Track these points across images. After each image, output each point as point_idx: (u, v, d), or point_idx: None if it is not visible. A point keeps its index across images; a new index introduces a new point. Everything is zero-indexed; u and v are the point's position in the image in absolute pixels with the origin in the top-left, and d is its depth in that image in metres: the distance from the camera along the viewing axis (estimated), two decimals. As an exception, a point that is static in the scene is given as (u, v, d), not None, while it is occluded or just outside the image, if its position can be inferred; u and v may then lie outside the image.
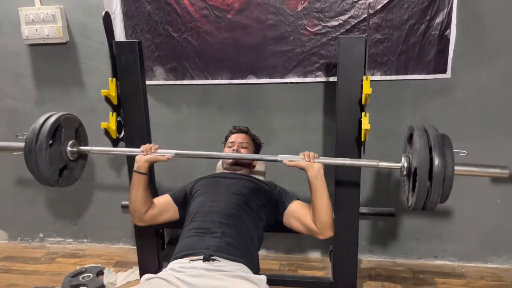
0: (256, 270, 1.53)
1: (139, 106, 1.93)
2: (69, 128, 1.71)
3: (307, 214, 1.63)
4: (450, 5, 2.06)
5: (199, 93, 2.39)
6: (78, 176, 1.80)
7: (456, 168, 1.34)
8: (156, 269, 1.96)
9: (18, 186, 2.76)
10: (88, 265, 2.50)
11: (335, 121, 1.80)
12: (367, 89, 1.64)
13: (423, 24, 2.10)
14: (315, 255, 2.57)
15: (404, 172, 1.48)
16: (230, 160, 1.89)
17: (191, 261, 1.44)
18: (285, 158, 1.60)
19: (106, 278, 2.34)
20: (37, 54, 2.49)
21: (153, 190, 1.98)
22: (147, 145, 1.70)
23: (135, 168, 1.69)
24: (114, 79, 1.88)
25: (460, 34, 2.09)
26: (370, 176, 2.37)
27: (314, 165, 1.57)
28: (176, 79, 2.37)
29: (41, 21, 2.36)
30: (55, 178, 1.66)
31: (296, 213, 1.68)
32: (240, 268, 1.45)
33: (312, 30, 2.18)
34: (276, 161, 1.61)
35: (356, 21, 2.13)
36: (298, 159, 1.59)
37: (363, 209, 2.31)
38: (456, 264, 2.44)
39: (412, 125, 1.48)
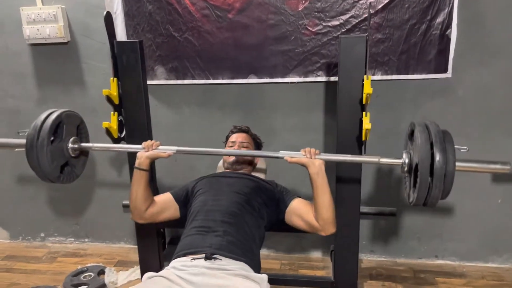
0: (257, 269, 1.54)
1: (140, 106, 1.94)
2: (70, 125, 1.71)
3: (309, 211, 1.64)
4: (451, 4, 2.06)
5: (200, 92, 2.39)
6: (80, 173, 1.80)
7: (457, 164, 1.34)
8: (157, 269, 1.96)
9: (20, 186, 2.77)
10: (89, 265, 2.51)
11: (336, 121, 1.80)
12: (368, 89, 1.64)
13: (424, 24, 2.10)
14: (316, 254, 2.58)
15: (405, 168, 1.48)
16: (231, 160, 1.89)
17: (193, 260, 1.44)
18: (286, 154, 1.60)
19: (107, 278, 2.34)
20: (39, 54, 2.50)
21: (154, 188, 1.98)
22: (149, 142, 1.71)
23: (136, 165, 1.69)
24: (115, 79, 1.88)
25: (461, 34, 2.10)
26: (371, 175, 2.37)
27: (315, 161, 1.57)
28: (177, 79, 2.37)
29: (43, 21, 2.37)
30: (57, 174, 1.66)
31: (298, 211, 1.68)
32: (242, 267, 1.45)
33: (313, 30, 2.18)
34: (277, 157, 1.62)
35: (357, 21, 2.14)
36: (299, 156, 1.59)
37: (364, 209, 2.32)
38: (457, 263, 2.44)
39: (413, 121, 1.48)
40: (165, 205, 1.77)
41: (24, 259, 2.66)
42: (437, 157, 1.31)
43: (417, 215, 2.39)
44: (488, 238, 2.38)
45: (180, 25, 2.28)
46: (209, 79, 2.34)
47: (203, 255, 1.44)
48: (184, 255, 1.49)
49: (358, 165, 1.82)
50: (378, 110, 2.15)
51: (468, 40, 2.11)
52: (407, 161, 1.47)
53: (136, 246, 2.17)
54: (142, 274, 2.12)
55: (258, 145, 2.07)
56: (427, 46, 2.13)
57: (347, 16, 2.14)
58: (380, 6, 2.10)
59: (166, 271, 1.44)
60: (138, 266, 2.25)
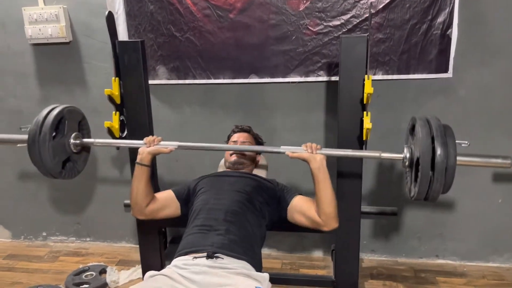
0: (259, 267, 1.54)
1: (142, 105, 1.95)
2: (72, 121, 1.72)
3: (311, 208, 1.64)
4: (451, 4, 2.06)
5: (201, 92, 2.40)
6: (81, 169, 1.81)
7: (458, 158, 1.34)
8: (159, 268, 1.97)
9: (21, 185, 2.78)
10: (91, 264, 2.51)
11: (337, 120, 1.81)
12: (368, 89, 1.65)
13: (424, 24, 2.10)
14: (317, 254, 2.58)
15: (407, 163, 1.48)
16: (233, 159, 1.90)
17: (195, 258, 1.45)
18: (288, 149, 1.61)
19: (109, 277, 2.35)
20: (41, 54, 2.50)
21: (155, 186, 1.98)
22: (150, 137, 1.72)
23: (138, 160, 1.69)
24: (117, 79, 1.89)
25: (461, 34, 2.10)
26: (371, 174, 2.37)
27: (316, 156, 1.57)
28: (179, 79, 2.38)
29: (45, 21, 2.38)
30: (58, 170, 1.67)
31: (300, 207, 1.68)
32: (243, 266, 1.46)
33: (314, 30, 2.19)
34: (279, 152, 1.62)
35: (358, 21, 2.14)
36: (301, 151, 1.60)
37: (365, 208, 2.32)
38: (458, 263, 2.44)
39: (414, 116, 1.48)
40: (166, 202, 1.77)
41: (26, 258, 2.66)
42: (438, 151, 1.31)
43: (418, 214, 2.40)
44: (488, 237, 2.38)
45: (181, 25, 2.29)
46: (210, 79, 2.35)
47: (205, 254, 1.45)
48: (186, 253, 1.50)
49: (359, 163, 1.82)
50: (379, 110, 2.16)
51: (469, 40, 2.11)
52: (408, 155, 1.47)
53: (138, 246, 2.18)
54: (143, 273, 2.13)
55: (259, 144, 2.08)
56: (428, 46, 2.13)
57: (348, 16, 2.14)
58: (381, 6, 2.11)
59: (168, 269, 1.44)
60: (140, 266, 2.26)
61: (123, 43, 1.92)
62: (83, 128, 1.80)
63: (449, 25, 2.09)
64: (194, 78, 2.36)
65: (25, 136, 1.62)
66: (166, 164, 2.44)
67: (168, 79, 2.39)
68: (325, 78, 2.25)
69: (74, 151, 1.73)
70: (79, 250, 2.75)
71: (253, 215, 1.65)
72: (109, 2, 2.31)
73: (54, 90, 2.55)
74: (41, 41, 2.42)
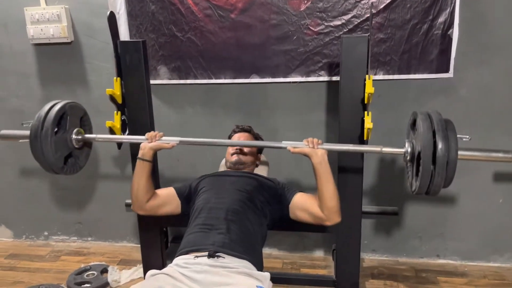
0: (260, 267, 1.55)
1: (143, 105, 1.95)
2: (74, 116, 1.73)
3: (313, 204, 1.64)
4: (452, 4, 2.06)
5: (202, 92, 2.41)
6: (83, 164, 1.82)
7: (459, 152, 1.34)
8: (160, 267, 1.97)
9: (23, 185, 2.79)
10: (92, 263, 2.52)
11: (338, 120, 1.81)
12: (369, 88, 1.65)
13: (425, 24, 2.10)
14: (318, 253, 2.58)
15: (408, 157, 1.48)
16: (234, 159, 1.90)
17: (196, 257, 1.45)
18: (289, 144, 1.61)
19: (110, 276, 2.35)
20: (42, 54, 2.51)
21: (156, 183, 1.99)
22: (152, 133, 1.72)
23: (139, 155, 1.70)
24: (118, 78, 1.90)
25: (462, 34, 2.10)
26: (372, 174, 2.37)
27: (318, 151, 1.58)
28: (180, 79, 2.39)
29: (46, 21, 2.38)
30: (60, 165, 1.67)
31: (301, 204, 1.69)
32: (245, 265, 1.46)
33: (315, 30, 2.19)
34: (280, 147, 1.63)
35: (358, 21, 2.14)
36: (302, 146, 1.60)
37: (366, 208, 2.32)
38: (459, 263, 2.44)
39: (416, 110, 1.48)
40: (167, 199, 1.78)
41: (28, 258, 2.67)
42: (440, 145, 1.31)
43: (419, 214, 2.40)
44: (489, 237, 2.38)
45: (182, 25, 2.29)
46: (211, 78, 2.35)
47: (206, 253, 1.45)
48: (187, 252, 1.50)
49: (360, 162, 1.82)
50: (380, 109, 2.16)
51: (470, 40, 2.11)
52: (409, 150, 1.47)
53: (139, 245, 2.18)
54: (144, 272, 2.14)
55: (260, 144, 2.08)
56: (429, 46, 2.13)
57: (349, 16, 2.15)
58: (382, 6, 2.11)
59: (169, 268, 1.45)
60: (141, 265, 2.27)
61: (124, 43, 1.93)
62: (84, 124, 1.80)
63: (450, 25, 2.09)
64: (195, 78, 2.36)
65: (27, 132, 1.63)
66: (167, 164, 2.44)
67: (170, 79, 2.40)
68: (326, 78, 2.26)
69: (76, 146, 1.74)
70: (81, 250, 2.75)
71: (254, 214, 1.66)
72: (111, 2, 2.31)
73: (56, 90, 2.55)
74: (43, 41, 2.43)
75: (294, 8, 2.18)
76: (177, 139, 1.70)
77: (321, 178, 1.59)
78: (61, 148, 1.66)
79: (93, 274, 2.38)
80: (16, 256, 2.70)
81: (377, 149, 1.55)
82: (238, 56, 2.29)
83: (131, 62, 1.89)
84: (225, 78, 2.34)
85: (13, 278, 2.44)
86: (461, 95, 2.20)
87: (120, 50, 1.89)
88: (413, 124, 1.48)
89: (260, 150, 2.06)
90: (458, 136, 1.36)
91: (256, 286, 1.36)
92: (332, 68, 2.23)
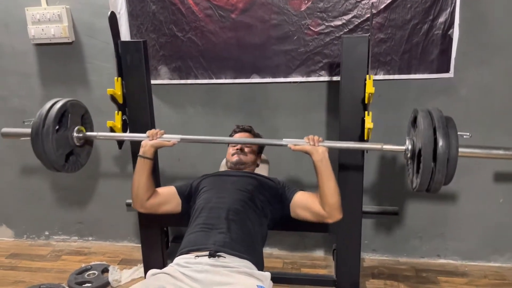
0: (260, 266, 1.55)
1: (144, 105, 1.96)
2: (75, 114, 1.74)
3: (314, 201, 1.65)
4: (453, 4, 2.07)
5: (203, 92, 2.41)
6: (84, 162, 1.82)
7: (460, 149, 1.34)
8: (161, 267, 1.97)
9: (24, 185, 2.79)
10: (93, 263, 2.53)
11: (338, 120, 1.81)
12: (370, 88, 1.65)
13: (426, 24, 2.11)
14: (319, 253, 2.58)
15: (409, 155, 1.48)
16: (235, 159, 1.90)
17: (197, 257, 1.45)
18: (290, 142, 1.62)
19: (111, 276, 2.35)
20: (43, 54, 2.52)
21: (157, 182, 1.99)
22: (153, 130, 1.73)
23: (140, 153, 1.70)
24: (119, 78, 1.90)
25: (463, 34, 2.10)
26: (372, 174, 2.38)
27: (318, 148, 1.58)
28: (181, 79, 2.39)
29: (47, 21, 2.39)
30: (62, 163, 1.68)
31: (302, 203, 1.69)
32: (245, 265, 1.46)
33: (316, 30, 2.19)
34: (281, 145, 1.63)
35: (359, 21, 2.15)
36: (303, 143, 1.61)
37: (366, 208, 2.32)
38: (459, 262, 2.44)
39: (416, 108, 1.48)
40: (168, 197, 1.78)
41: (29, 257, 2.68)
42: (440, 142, 1.31)
43: (419, 214, 2.40)
44: (490, 237, 2.38)
45: (183, 25, 2.30)
46: (212, 78, 2.36)
47: (207, 252, 1.45)
48: (187, 252, 1.50)
49: (361, 161, 1.83)
50: (380, 109, 2.16)
51: (470, 40, 2.11)
52: (410, 147, 1.48)
53: (140, 245, 2.19)
54: (145, 272, 2.14)
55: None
56: (429, 46, 2.13)
57: (349, 16, 2.15)
58: (382, 6, 2.11)
59: (170, 268, 1.45)
60: (142, 265, 2.27)
61: (125, 43, 1.93)
62: (86, 122, 1.81)
63: (451, 25, 2.09)
64: (196, 78, 2.37)
65: (29, 130, 1.64)
66: (168, 164, 2.44)
67: (170, 79, 2.40)
68: (326, 78, 2.26)
69: (77, 144, 1.74)
70: (82, 249, 2.76)
71: (254, 213, 1.66)
72: (112, 2, 2.32)
73: (57, 90, 2.55)
74: (44, 41, 2.44)
75: (295, 8, 2.18)
76: (178, 136, 1.71)
77: (322, 176, 1.59)
78: (62, 146, 1.67)
79: (94, 273, 2.39)
80: (17, 255, 2.71)
81: (378, 146, 1.55)
82: (239, 56, 2.30)
83: (132, 62, 1.90)
84: (225, 78, 2.34)
85: (14, 277, 2.45)
86: (462, 95, 2.20)
87: (121, 50, 1.90)
88: (414, 121, 1.48)
89: (260, 150, 2.06)
90: (458, 133, 1.36)
91: (257, 285, 1.36)
92: (333, 68, 2.23)
